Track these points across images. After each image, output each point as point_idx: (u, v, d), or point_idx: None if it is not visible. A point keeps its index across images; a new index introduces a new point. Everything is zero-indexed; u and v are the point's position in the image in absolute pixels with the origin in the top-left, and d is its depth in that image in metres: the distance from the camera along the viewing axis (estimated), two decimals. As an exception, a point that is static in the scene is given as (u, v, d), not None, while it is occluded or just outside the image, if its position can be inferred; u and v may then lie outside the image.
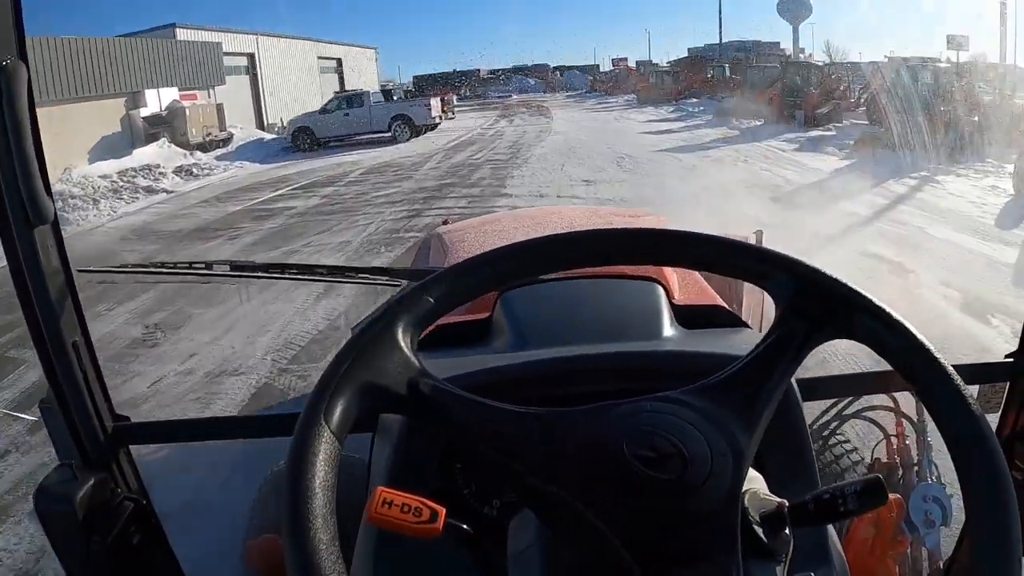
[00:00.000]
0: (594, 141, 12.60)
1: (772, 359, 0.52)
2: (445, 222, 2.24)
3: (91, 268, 1.24)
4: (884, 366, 0.53)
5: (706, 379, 0.51)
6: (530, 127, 16.39)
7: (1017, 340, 0.98)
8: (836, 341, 0.54)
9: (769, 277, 0.55)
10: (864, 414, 1.39)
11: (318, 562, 0.40)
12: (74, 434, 0.80)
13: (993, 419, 1.01)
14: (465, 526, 0.49)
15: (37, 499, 0.77)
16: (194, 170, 12.04)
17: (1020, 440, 0.99)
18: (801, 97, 13.86)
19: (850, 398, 1.38)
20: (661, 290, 0.85)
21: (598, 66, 27.28)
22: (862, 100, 13.65)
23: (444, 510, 0.46)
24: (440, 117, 16.80)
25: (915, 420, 1.31)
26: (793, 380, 0.69)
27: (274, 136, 16.16)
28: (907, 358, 0.51)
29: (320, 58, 20.81)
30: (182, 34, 15.89)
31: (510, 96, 25.33)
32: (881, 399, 1.35)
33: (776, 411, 0.66)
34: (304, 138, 15.16)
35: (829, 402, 1.43)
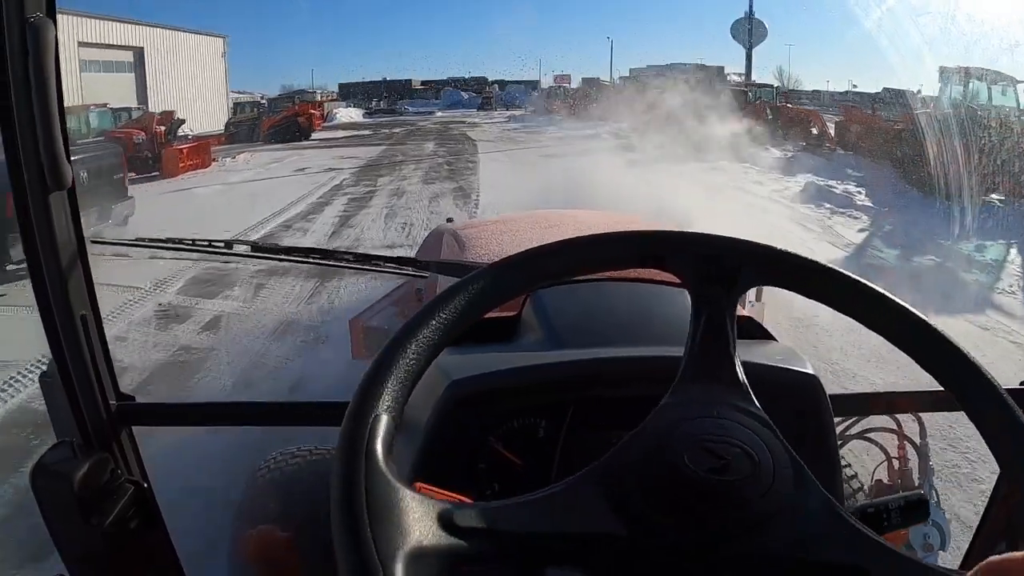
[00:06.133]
0: None
1: (712, 334, 0.51)
2: (449, 220, 2.24)
3: (106, 240, 1.22)
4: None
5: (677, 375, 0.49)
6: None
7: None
8: None
9: (667, 258, 0.54)
10: (866, 435, 1.39)
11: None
12: (76, 411, 0.77)
13: None
14: None
15: (34, 475, 0.74)
16: None
17: None
18: None
19: (853, 418, 1.39)
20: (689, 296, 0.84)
21: (539, 82, 22.43)
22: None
23: None
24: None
25: (917, 443, 1.31)
26: (828, 395, 0.69)
27: None
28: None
29: (85, 45, 11.21)
30: None
31: (433, 113, 19.89)
32: (884, 420, 1.36)
33: (810, 423, 0.65)
34: None
35: None
